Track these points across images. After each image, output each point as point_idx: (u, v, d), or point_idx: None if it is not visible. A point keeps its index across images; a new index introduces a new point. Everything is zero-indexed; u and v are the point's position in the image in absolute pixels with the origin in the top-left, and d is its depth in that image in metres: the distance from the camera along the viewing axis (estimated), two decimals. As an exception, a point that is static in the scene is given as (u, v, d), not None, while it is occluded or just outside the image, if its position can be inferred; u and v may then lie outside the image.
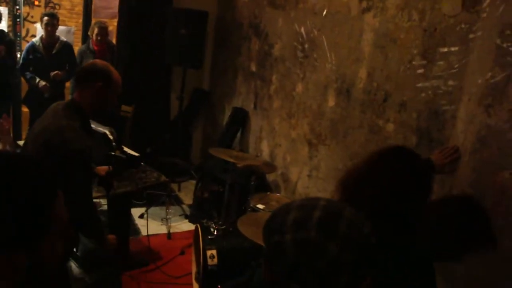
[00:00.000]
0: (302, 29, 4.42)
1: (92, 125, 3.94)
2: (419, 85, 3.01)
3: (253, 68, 5.48)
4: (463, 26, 2.68)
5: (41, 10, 8.92)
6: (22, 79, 6.06)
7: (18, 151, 5.43)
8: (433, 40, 2.91)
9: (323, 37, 4.11)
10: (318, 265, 1.04)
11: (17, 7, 6.16)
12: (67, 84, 6.24)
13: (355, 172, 1.83)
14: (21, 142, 5.01)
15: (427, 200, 1.82)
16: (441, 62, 2.84)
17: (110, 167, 3.20)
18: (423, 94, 2.98)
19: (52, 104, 2.79)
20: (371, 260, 1.09)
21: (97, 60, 2.87)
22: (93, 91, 2.66)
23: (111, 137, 3.76)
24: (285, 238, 1.07)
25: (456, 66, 2.72)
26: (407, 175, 1.76)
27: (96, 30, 5.97)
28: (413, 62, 3.07)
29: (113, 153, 3.26)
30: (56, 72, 5.75)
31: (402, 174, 1.76)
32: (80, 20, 7.84)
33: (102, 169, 3.18)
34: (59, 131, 2.48)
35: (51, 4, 9.81)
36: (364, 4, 3.60)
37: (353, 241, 1.07)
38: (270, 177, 4.95)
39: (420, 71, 3.01)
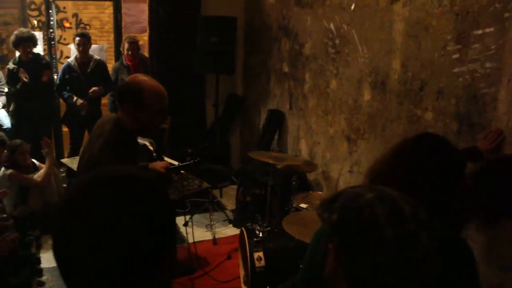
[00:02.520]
0: (332, 25, 4.40)
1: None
2: (455, 70, 2.95)
3: (286, 69, 5.48)
4: (497, 5, 2.62)
5: (73, 31, 9.14)
6: (60, 99, 6.22)
7: (61, 170, 5.60)
8: (467, 24, 2.86)
9: (353, 31, 4.08)
10: (416, 256, 1.06)
11: (51, 30, 6.32)
12: (104, 101, 6.36)
13: (380, 163, 1.76)
14: (64, 160, 5.15)
15: (459, 188, 1.67)
16: (477, 45, 2.78)
17: (169, 162, 3.18)
18: (460, 79, 2.93)
19: (98, 121, 2.71)
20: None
21: (133, 77, 2.67)
22: (126, 112, 2.54)
23: (151, 148, 3.83)
24: (384, 234, 1.06)
25: (493, 47, 2.67)
26: (432, 161, 1.67)
27: (126, 46, 6.07)
28: (448, 48, 3.02)
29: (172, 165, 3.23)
30: (93, 88, 5.88)
31: (425, 160, 1.68)
32: (111, 38, 7.99)
33: (160, 165, 3.03)
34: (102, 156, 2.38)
35: (81, 25, 10.05)
36: (392, -6, 3.57)
37: (432, 226, 1.11)
38: (311, 176, 4.94)
39: (455, 56, 2.96)
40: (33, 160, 5.09)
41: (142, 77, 2.61)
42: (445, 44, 3.04)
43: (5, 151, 4.84)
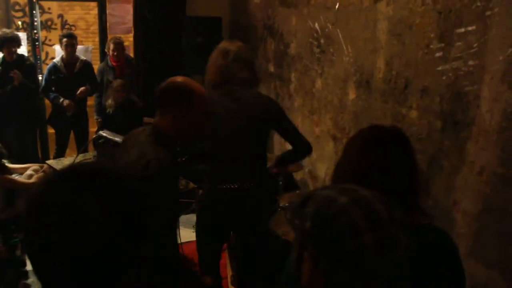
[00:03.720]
0: (316, 25, 4.41)
1: (117, 139, 4.00)
2: (439, 68, 2.97)
3: (271, 69, 5.48)
4: (478, 4, 2.64)
5: (58, 32, 9.09)
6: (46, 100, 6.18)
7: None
8: (449, 22, 2.87)
9: (338, 30, 4.09)
10: (397, 258, 1.04)
11: (35, 31, 6.27)
12: (90, 102, 6.32)
13: (336, 165, 1.76)
14: (50, 162, 5.10)
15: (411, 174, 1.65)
16: (460, 43, 2.80)
17: None
18: (444, 77, 2.94)
19: (129, 133, 2.53)
20: None
21: (174, 79, 2.44)
22: (172, 116, 2.33)
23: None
24: (364, 240, 1.02)
25: (475, 45, 2.68)
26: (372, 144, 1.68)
27: (111, 46, 6.04)
28: (431, 46, 3.03)
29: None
30: (81, 89, 5.85)
31: (367, 145, 1.68)
32: (97, 39, 7.95)
33: None
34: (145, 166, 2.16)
35: (67, 26, 9.99)
36: (376, -7, 3.58)
37: (407, 223, 1.09)
38: (298, 176, 4.94)
39: (438, 54, 2.97)
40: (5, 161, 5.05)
41: (183, 78, 2.46)
42: (429, 42, 3.05)
43: None
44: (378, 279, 1.05)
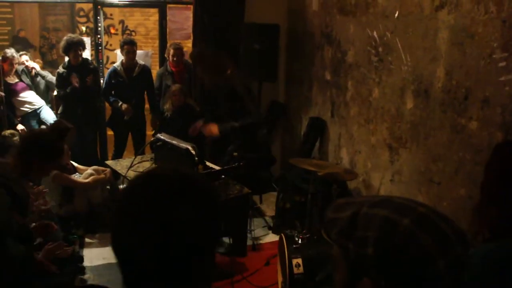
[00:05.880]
0: (375, 33, 4.38)
1: (174, 142, 4.09)
2: (502, 78, 2.90)
3: (328, 76, 5.47)
4: (545, 13, 2.57)
5: (119, 37, 9.38)
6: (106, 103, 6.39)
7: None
8: (514, 31, 2.81)
9: (397, 39, 4.05)
10: (463, 277, 1.04)
11: (99, 36, 6.49)
12: (147, 105, 6.49)
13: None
14: (109, 162, 5.26)
15: None
16: (524, 53, 2.73)
17: None
18: (506, 88, 2.87)
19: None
20: None
21: None
22: None
23: (193, 152, 3.88)
24: (438, 266, 1.00)
25: (541, 56, 2.61)
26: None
27: (171, 52, 6.17)
28: (494, 56, 2.97)
29: None
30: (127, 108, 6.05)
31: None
32: (155, 44, 8.14)
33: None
34: None
35: (127, 32, 10.28)
36: (437, 2, 3.53)
37: (465, 237, 1.07)
38: (352, 185, 4.91)
39: (501, 64, 2.90)
40: (72, 162, 5.25)
41: None
42: (491, 52, 2.99)
43: None
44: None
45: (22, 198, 3.04)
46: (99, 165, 5.42)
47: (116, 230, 1.05)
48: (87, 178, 5.05)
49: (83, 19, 10.32)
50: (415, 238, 1.01)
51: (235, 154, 4.74)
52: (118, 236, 1.05)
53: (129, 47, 6.03)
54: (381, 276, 1.04)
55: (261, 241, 5.05)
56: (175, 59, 6.17)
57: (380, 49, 4.32)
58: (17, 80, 6.05)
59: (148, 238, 1.00)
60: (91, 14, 7.74)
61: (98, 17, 6.44)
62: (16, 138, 5.13)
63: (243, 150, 4.69)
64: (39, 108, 6.19)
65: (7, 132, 5.31)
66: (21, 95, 6.04)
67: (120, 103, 6.03)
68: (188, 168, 1.16)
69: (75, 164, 5.29)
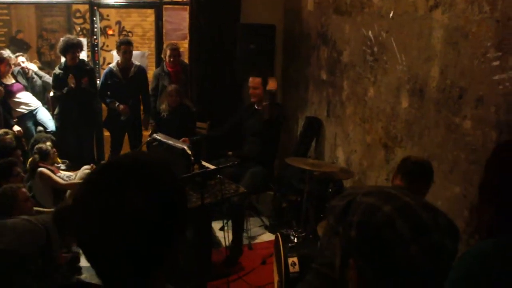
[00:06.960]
0: (370, 33, 4.39)
1: (170, 142, 4.10)
2: (496, 77, 2.92)
3: (324, 76, 5.49)
4: (537, 13, 2.59)
5: (115, 38, 9.38)
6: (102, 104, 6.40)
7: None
8: (507, 30, 2.82)
9: (392, 39, 4.07)
10: (443, 265, 1.07)
11: (95, 37, 6.50)
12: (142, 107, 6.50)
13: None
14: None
15: None
16: (517, 52, 2.75)
17: None
18: (500, 87, 2.89)
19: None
20: None
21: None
22: None
23: (189, 152, 3.89)
24: (410, 250, 1.03)
25: (534, 54, 2.63)
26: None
27: (168, 52, 6.19)
28: (488, 55, 2.99)
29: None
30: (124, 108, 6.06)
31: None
32: (152, 45, 8.15)
33: None
34: None
35: (124, 32, 10.29)
36: (431, 2, 3.55)
37: (454, 229, 1.14)
38: (347, 184, 4.92)
39: (495, 63, 2.92)
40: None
41: None
42: (485, 51, 3.01)
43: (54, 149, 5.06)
44: (427, 284, 1.06)
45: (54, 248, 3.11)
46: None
47: (76, 220, 1.05)
48: (83, 177, 5.06)
49: (80, 20, 10.32)
50: (391, 223, 1.05)
51: (230, 153, 4.76)
52: (78, 226, 1.04)
53: (126, 47, 6.05)
54: (361, 258, 1.09)
55: (257, 240, 5.06)
56: (171, 59, 6.19)
57: (375, 49, 4.34)
58: (13, 81, 6.06)
59: (101, 227, 0.99)
60: (87, 15, 7.74)
61: (94, 18, 6.45)
62: (9, 136, 5.14)
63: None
64: (35, 109, 6.20)
65: (0, 131, 5.31)
66: (17, 96, 6.05)
67: (117, 103, 6.04)
68: (159, 158, 1.12)
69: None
